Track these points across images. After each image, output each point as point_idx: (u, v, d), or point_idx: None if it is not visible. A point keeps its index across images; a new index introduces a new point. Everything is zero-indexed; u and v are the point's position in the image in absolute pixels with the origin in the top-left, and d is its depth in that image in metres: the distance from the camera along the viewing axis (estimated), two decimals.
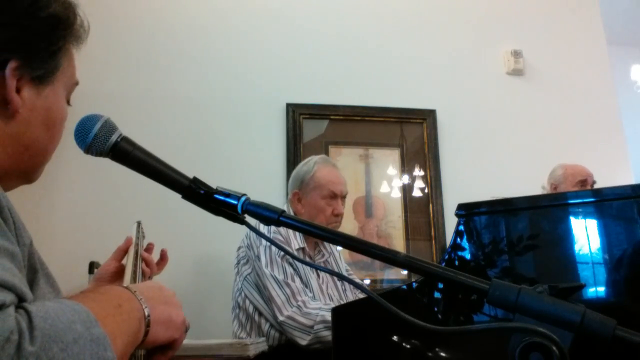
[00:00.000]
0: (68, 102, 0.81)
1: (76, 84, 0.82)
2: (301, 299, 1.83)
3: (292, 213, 2.03)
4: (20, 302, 0.51)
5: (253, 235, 2.00)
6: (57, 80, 0.75)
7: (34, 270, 0.63)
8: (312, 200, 2.08)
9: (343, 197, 2.13)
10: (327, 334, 1.75)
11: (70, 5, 0.78)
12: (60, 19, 0.74)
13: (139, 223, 1.28)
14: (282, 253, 1.90)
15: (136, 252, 1.14)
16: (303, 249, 2.03)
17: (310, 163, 2.14)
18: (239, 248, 2.09)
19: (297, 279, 1.90)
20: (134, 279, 1.04)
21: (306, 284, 1.94)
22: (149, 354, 0.72)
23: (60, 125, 0.78)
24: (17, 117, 0.70)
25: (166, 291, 0.76)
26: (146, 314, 0.65)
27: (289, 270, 1.90)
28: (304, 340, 1.78)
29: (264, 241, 1.94)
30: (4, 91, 0.68)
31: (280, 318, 1.82)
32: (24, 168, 0.74)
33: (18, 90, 0.70)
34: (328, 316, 1.76)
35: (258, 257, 1.93)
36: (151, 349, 0.70)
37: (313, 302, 1.86)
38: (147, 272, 1.14)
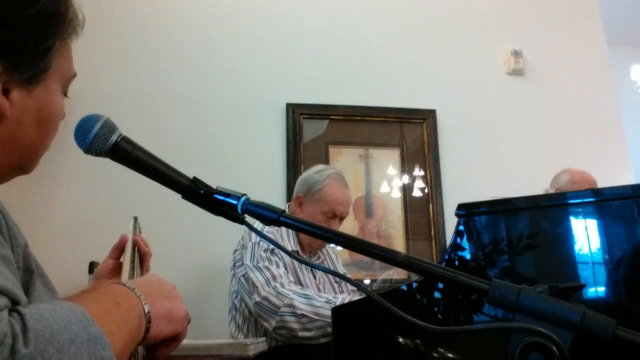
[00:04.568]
0: (65, 94, 0.78)
1: (73, 76, 0.78)
2: (280, 281, 1.80)
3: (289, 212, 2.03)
4: (14, 305, 0.50)
5: (247, 236, 2.00)
6: (50, 78, 0.72)
7: (29, 271, 0.62)
8: (312, 211, 2.07)
9: (342, 218, 2.12)
10: (291, 320, 1.71)
11: None
12: (49, 15, 0.70)
13: (135, 218, 1.27)
14: (270, 248, 1.90)
15: (133, 248, 1.13)
16: (297, 252, 2.03)
17: (324, 174, 2.11)
18: (235, 250, 2.09)
19: (281, 267, 1.88)
20: (132, 275, 1.03)
21: (304, 286, 1.93)
22: (151, 347, 0.71)
23: (54, 121, 0.75)
24: (6, 119, 0.68)
25: (166, 285, 0.76)
26: (146, 310, 0.65)
27: (274, 259, 1.88)
28: (270, 324, 1.75)
29: (253, 238, 1.94)
30: None
31: (257, 299, 1.78)
32: (18, 164, 0.73)
33: (7, 92, 0.67)
34: (297, 302, 1.73)
35: (246, 250, 1.94)
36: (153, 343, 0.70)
37: (293, 285, 1.82)
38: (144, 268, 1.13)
